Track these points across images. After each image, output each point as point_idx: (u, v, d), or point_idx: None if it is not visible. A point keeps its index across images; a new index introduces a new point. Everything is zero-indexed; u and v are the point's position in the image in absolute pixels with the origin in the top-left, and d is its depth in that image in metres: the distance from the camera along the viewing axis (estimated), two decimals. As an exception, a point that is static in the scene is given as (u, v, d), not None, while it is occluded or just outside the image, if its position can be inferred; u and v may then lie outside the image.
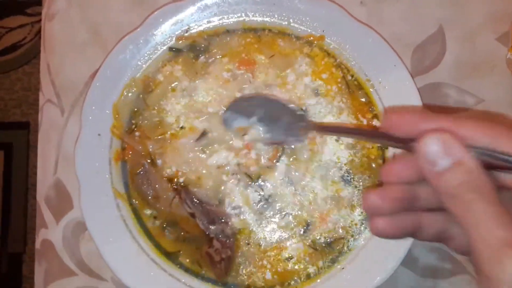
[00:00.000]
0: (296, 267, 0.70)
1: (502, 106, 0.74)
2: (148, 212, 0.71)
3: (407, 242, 0.66)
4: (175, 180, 0.70)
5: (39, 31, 1.73)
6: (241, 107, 0.69)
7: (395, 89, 0.70)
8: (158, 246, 0.70)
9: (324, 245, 0.70)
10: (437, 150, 0.41)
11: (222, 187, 0.70)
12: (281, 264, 0.70)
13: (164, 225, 0.70)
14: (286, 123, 0.67)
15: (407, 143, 0.45)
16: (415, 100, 0.69)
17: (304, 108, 0.71)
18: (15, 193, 1.78)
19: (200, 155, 0.71)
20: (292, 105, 0.69)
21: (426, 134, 0.42)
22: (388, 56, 0.70)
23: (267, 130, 0.68)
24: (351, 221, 0.71)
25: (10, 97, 1.92)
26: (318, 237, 0.70)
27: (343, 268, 0.69)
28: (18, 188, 1.78)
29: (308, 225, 0.70)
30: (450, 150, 0.41)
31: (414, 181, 0.47)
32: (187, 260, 0.70)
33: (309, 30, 0.72)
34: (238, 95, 0.71)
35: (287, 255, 0.70)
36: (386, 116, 0.49)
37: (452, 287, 0.73)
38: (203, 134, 0.71)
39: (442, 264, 0.73)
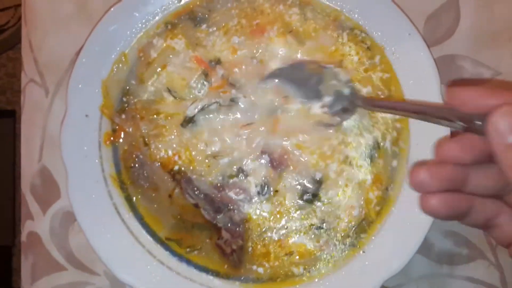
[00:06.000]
0: (315, 254, 0.67)
1: (521, 80, 0.70)
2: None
3: (425, 227, 0.62)
4: (172, 167, 0.66)
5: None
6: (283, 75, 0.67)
7: (409, 59, 0.66)
8: (154, 236, 0.66)
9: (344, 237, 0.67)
10: (509, 123, 0.42)
11: (223, 170, 0.66)
12: (294, 253, 0.67)
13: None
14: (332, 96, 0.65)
15: (470, 120, 0.46)
16: (431, 72, 0.64)
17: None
18: (2, 184, 1.74)
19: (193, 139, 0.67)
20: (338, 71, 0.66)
21: (498, 108, 0.42)
22: (402, 24, 0.65)
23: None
24: (369, 206, 0.67)
25: (-6, 83, 1.87)
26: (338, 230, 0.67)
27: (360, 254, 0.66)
28: (4, 179, 1.74)
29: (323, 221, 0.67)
30: None
31: (468, 163, 0.48)
32: (188, 251, 0.66)
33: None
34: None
35: (301, 243, 0.67)
36: (450, 90, 0.48)
37: (469, 273, 0.70)
38: (191, 120, 0.67)
39: (459, 249, 0.70)
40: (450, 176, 0.48)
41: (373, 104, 0.62)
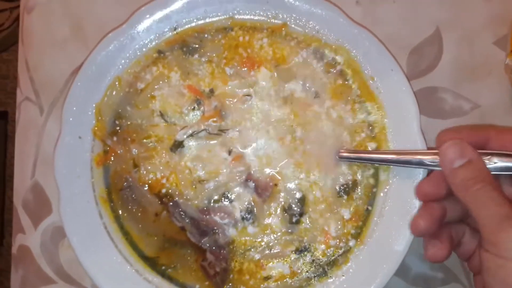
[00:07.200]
0: (290, 279, 0.68)
1: (498, 112, 0.72)
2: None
3: (402, 252, 0.64)
4: (160, 190, 0.68)
5: (17, 18, 1.67)
6: None
7: (391, 94, 0.68)
8: (142, 256, 0.67)
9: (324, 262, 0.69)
10: (454, 152, 0.54)
11: (209, 195, 0.68)
12: (274, 276, 0.68)
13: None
14: None
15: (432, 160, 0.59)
16: (411, 107, 0.66)
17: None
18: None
19: (181, 163, 0.68)
20: None
21: (447, 142, 0.55)
22: (385, 60, 0.67)
23: None
24: (344, 232, 0.69)
25: (-13, 85, 1.86)
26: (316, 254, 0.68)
27: (336, 278, 0.68)
28: (-6, 180, 1.72)
29: (306, 246, 0.68)
30: (464, 152, 0.54)
31: (444, 197, 0.58)
32: (174, 270, 0.67)
33: (305, 30, 0.69)
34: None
35: (281, 267, 0.68)
36: (439, 135, 0.62)
37: (443, 296, 0.72)
38: (180, 144, 0.68)
39: (434, 273, 0.72)
40: (438, 214, 0.58)
41: (346, 157, 0.67)
